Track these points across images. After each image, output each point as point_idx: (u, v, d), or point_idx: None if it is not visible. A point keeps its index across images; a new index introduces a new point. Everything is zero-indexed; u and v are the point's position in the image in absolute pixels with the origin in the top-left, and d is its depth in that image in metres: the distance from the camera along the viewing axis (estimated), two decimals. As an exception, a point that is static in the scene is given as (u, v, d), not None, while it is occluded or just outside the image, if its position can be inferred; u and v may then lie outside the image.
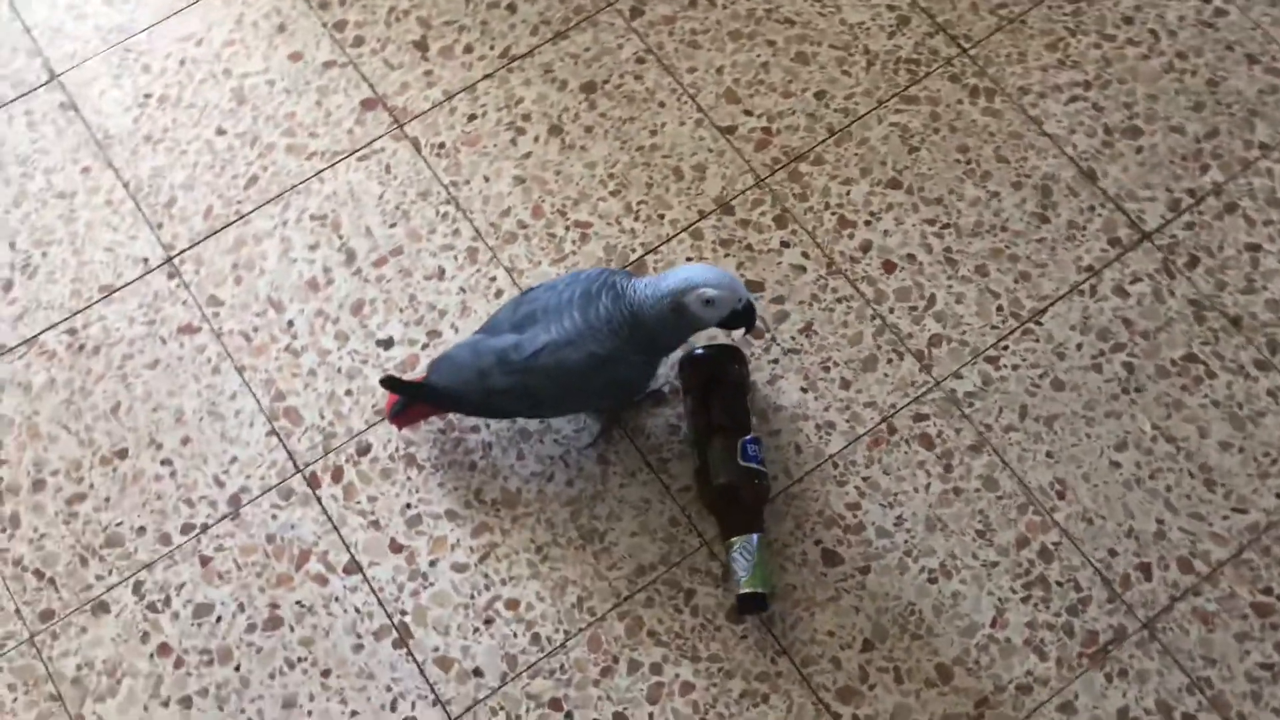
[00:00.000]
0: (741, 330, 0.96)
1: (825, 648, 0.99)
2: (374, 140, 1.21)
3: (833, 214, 1.16)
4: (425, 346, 1.12)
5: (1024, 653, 0.98)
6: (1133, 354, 1.09)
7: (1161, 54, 1.21)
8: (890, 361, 1.10)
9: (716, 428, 1.01)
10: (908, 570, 1.01)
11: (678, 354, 1.05)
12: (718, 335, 1.09)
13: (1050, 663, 0.98)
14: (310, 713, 0.99)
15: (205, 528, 1.04)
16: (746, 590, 0.97)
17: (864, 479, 1.05)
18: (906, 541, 1.03)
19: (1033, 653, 0.98)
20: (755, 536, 0.98)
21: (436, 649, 1.00)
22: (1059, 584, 1.00)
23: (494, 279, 1.15)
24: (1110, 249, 1.13)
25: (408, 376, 1.09)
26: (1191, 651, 0.97)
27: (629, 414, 1.08)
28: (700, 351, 1.05)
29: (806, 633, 0.99)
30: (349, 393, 1.11)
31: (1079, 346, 1.09)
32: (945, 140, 1.18)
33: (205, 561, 1.03)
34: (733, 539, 0.98)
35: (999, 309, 1.11)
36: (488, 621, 1.01)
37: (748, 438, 1.00)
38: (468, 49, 1.26)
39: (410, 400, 1.02)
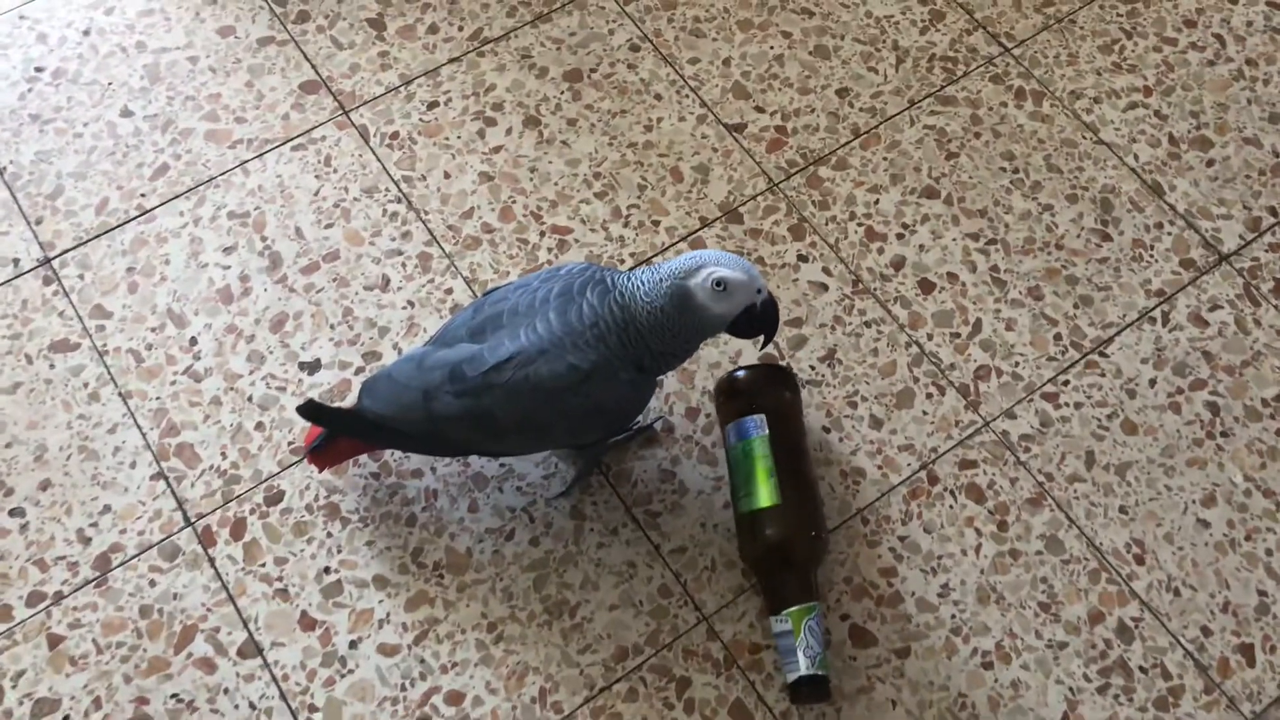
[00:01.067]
0: (760, 340, 0.79)
1: (859, 757, 0.80)
2: (313, 128, 1.05)
3: (859, 225, 1.01)
4: (360, 371, 0.94)
5: (1109, 764, 0.80)
6: (1216, 392, 0.94)
7: (1229, 60, 1.11)
8: (930, 397, 0.94)
9: (769, 468, 0.84)
10: (957, 653, 0.84)
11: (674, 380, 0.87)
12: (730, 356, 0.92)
13: (1143, 778, 0.80)
14: (181, 843, 0.77)
15: (59, 598, 0.85)
16: (815, 673, 0.79)
17: (900, 539, 0.88)
18: (954, 617, 0.85)
19: (1120, 764, 0.80)
20: (818, 606, 0.81)
21: (355, 756, 0.80)
22: (1143, 670, 0.83)
23: (449, 291, 0.98)
24: (1183, 271, 0.99)
25: (336, 405, 0.90)
26: (1315, 763, 0.80)
27: (611, 455, 0.90)
28: (742, 373, 0.88)
29: (834, 737, 0.81)
30: (260, 427, 0.92)
31: (1152, 383, 0.95)
32: (988, 146, 1.05)
33: (55, 642, 0.83)
34: (792, 609, 0.81)
35: (1057, 338, 0.96)
36: (423, 720, 0.80)
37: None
38: (432, 29, 1.11)
39: (335, 432, 0.83)
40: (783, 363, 0.95)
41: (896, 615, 0.86)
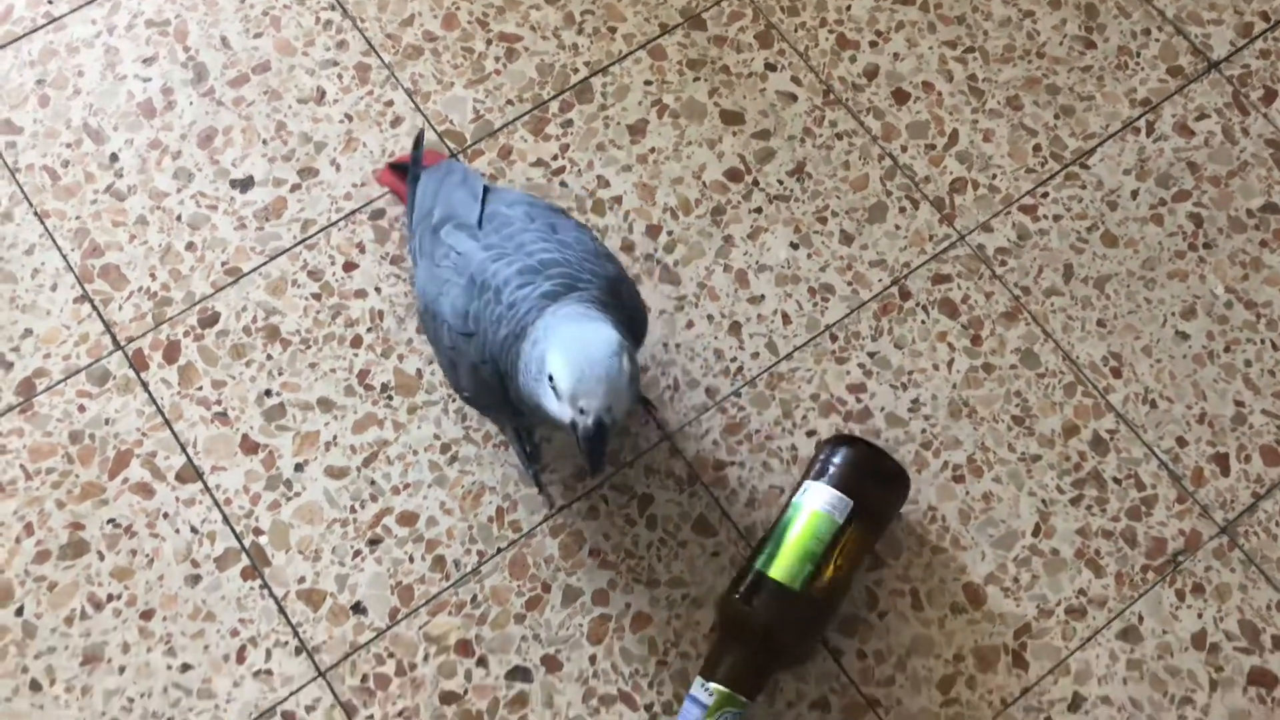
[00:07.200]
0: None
1: (824, 566, 0.85)
2: (234, -70, 1.04)
3: (830, 32, 1.03)
4: (296, 188, 0.95)
5: (1075, 567, 0.86)
6: (1200, 203, 0.98)
7: None
8: (903, 210, 0.97)
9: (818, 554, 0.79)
10: (927, 466, 0.88)
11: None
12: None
13: (1108, 579, 0.85)
14: (122, 668, 0.81)
15: (-17, 423, 0.86)
16: None
17: (870, 355, 0.92)
18: (925, 431, 0.89)
19: (1086, 567, 0.86)
20: (748, 707, 0.77)
21: (302, 579, 0.83)
22: (1116, 481, 0.88)
23: (390, 104, 0.98)
24: (1170, 79, 1.02)
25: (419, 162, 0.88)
26: (1283, 565, 0.87)
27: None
28: (882, 454, 0.83)
29: (799, 548, 0.85)
30: (191, 247, 0.93)
31: (1134, 194, 0.98)
32: (966, -53, 1.06)
33: (-20, 467, 0.85)
34: (725, 690, 0.76)
35: (1036, 149, 0.99)
36: (373, 542, 0.85)
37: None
38: None
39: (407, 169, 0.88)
40: (749, 177, 0.97)
41: (865, 430, 0.90)
